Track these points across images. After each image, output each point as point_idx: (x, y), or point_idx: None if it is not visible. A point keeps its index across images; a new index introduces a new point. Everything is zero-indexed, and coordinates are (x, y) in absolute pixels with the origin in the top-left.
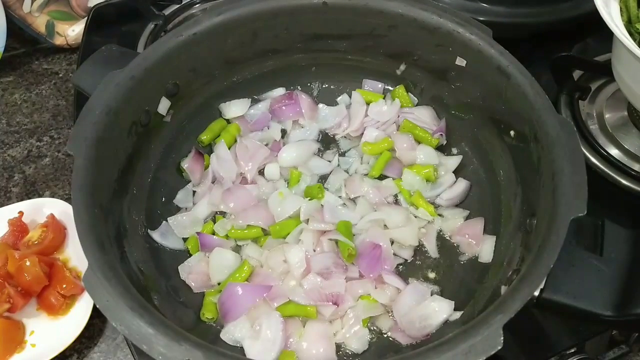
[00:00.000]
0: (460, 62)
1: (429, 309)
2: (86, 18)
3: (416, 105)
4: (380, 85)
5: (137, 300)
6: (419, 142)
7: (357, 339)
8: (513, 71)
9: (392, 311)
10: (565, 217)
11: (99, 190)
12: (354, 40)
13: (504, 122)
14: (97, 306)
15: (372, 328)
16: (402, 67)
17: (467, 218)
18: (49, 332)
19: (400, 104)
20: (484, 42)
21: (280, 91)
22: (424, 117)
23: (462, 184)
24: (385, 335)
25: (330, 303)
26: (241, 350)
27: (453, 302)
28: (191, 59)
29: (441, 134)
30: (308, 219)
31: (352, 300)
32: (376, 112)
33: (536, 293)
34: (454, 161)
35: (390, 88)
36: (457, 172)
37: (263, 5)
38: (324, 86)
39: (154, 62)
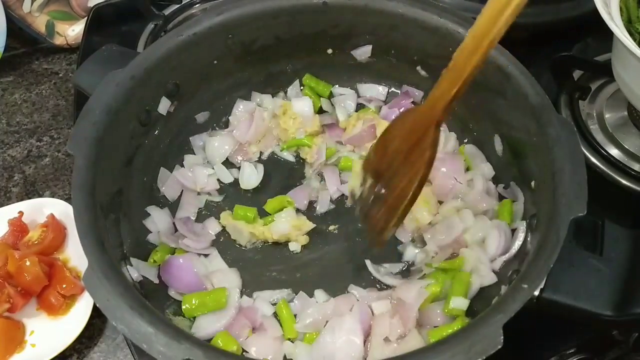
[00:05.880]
0: None
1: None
2: (86, 18)
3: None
4: (381, 88)
5: (137, 299)
6: None
7: None
8: (513, 71)
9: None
10: (565, 217)
11: (99, 190)
12: (354, 41)
13: (504, 122)
14: (97, 305)
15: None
16: (402, 67)
17: None
18: (49, 332)
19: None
20: None
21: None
22: None
23: None
24: None
25: None
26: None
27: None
28: (191, 59)
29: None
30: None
31: None
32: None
33: (536, 293)
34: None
35: (390, 89)
36: None
37: (263, 5)
38: None
39: (154, 62)
